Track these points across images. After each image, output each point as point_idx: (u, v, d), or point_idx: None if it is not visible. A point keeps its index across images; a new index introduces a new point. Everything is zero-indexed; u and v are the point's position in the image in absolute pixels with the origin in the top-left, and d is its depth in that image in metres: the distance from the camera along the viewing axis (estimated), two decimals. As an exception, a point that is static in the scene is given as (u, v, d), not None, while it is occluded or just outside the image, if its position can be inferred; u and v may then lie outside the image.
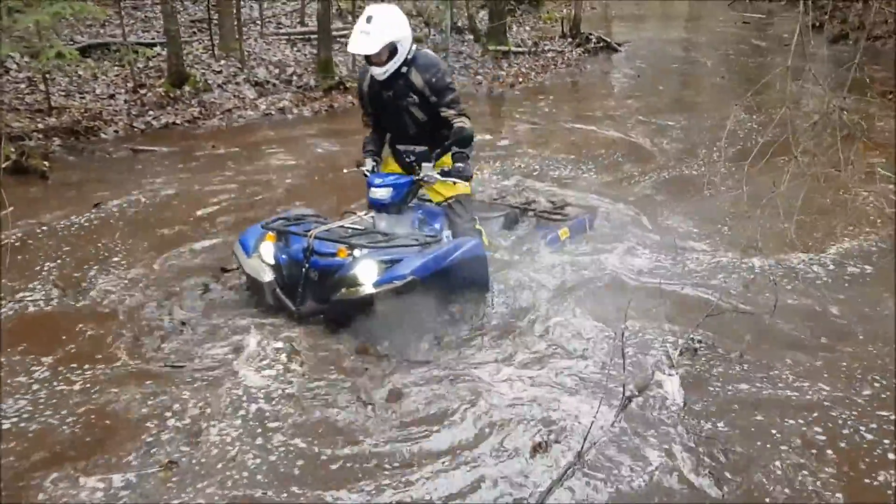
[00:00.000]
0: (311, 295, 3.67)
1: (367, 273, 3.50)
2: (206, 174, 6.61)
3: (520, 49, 12.61)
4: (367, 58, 3.79)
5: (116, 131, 8.25)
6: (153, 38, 11.41)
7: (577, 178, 6.05)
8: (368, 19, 3.69)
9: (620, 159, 6.72)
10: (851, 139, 3.73)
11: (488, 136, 7.93)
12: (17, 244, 4.86)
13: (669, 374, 3.12)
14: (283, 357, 3.36)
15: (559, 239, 4.55)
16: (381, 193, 3.97)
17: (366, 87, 4.02)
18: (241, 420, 2.94)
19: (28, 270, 4.47)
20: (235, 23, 11.15)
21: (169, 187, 6.21)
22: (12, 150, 6.62)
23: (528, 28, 14.98)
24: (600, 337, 3.59)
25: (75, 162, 7.05)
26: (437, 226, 4.14)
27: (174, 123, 8.66)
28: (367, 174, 4.04)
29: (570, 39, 13.63)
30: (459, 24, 13.72)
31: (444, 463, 2.72)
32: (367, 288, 3.46)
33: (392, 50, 3.74)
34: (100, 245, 4.91)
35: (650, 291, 4.02)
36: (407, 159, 4.13)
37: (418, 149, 4.10)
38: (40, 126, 7.79)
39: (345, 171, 4.41)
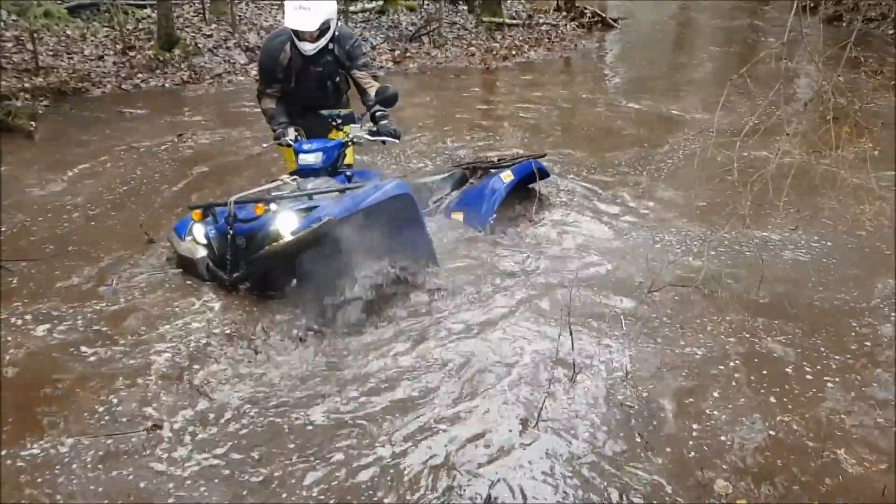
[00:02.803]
0: (243, 261, 3.61)
1: (285, 224, 3.42)
2: (185, 141, 6.55)
3: (514, 21, 12.50)
4: (298, 33, 3.85)
5: (104, 93, 8.18)
6: (144, 0, 11.27)
7: (563, 156, 6.03)
8: None
9: (607, 137, 6.70)
10: (843, 119, 3.74)
11: (482, 108, 7.94)
12: None
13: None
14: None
15: (502, 181, 4.35)
16: (312, 159, 3.94)
17: (284, 61, 4.01)
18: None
19: None
20: (227, -14, 11.00)
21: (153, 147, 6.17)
22: (-1, 109, 6.57)
23: (523, 0, 14.84)
24: (548, 306, 3.58)
25: (62, 122, 6.98)
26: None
27: (163, 86, 8.58)
28: (292, 143, 3.98)
29: (564, 13, 13.51)
30: (454, -7, 13.59)
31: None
32: (287, 238, 3.34)
33: (325, 27, 3.86)
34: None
35: (599, 255, 4.12)
36: (333, 122, 4.12)
37: (344, 111, 4.12)
38: (27, 86, 7.72)
39: (264, 145, 4.34)
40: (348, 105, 4.34)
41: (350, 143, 4.09)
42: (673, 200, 4.98)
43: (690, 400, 2.92)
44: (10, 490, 2.42)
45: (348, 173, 4.02)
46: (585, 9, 13.49)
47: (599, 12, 13.44)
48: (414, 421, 2.79)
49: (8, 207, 4.81)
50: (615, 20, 13.50)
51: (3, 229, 4.48)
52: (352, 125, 4.09)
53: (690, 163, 5.52)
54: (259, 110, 4.30)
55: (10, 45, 8.93)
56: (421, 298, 3.58)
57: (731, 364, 3.14)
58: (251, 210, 3.59)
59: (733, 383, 3.02)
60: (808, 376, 3.08)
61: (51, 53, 8.95)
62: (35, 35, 8.45)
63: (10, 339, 3.29)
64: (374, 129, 4.07)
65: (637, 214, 4.75)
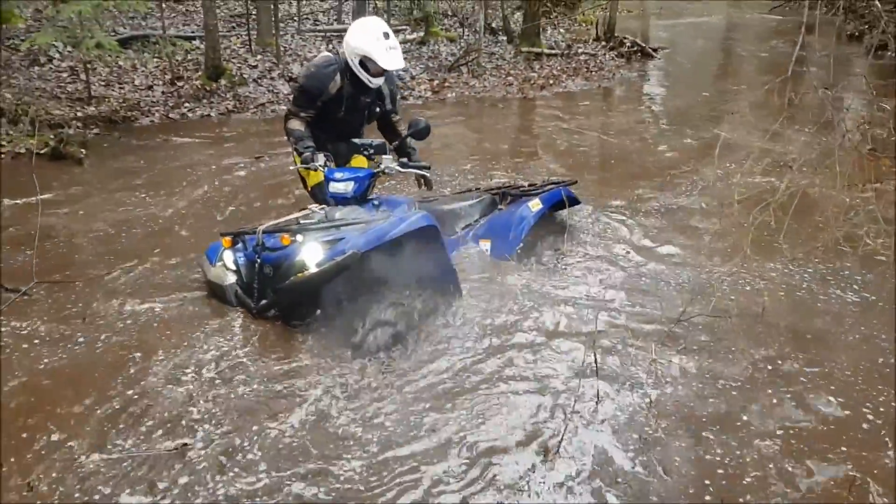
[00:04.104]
0: (270, 289, 3.68)
1: (311, 255, 3.48)
2: (229, 168, 6.74)
3: (553, 51, 12.61)
4: (371, 68, 4.08)
5: (152, 121, 8.47)
6: (193, 32, 11.67)
7: (595, 184, 6.05)
8: (386, 35, 4.02)
9: (642, 166, 6.70)
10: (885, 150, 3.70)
11: (516, 136, 8.01)
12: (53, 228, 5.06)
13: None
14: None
15: (530, 210, 4.35)
16: (343, 188, 4.02)
17: (332, 90, 4.15)
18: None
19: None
20: (272, 19, 11.34)
21: (198, 179, 6.37)
22: (51, 136, 6.86)
23: (562, 30, 14.99)
24: (572, 335, 3.59)
25: (111, 150, 7.25)
26: (396, 211, 4.00)
27: (208, 115, 8.85)
28: (322, 169, 4.06)
29: (603, 43, 13.58)
30: (494, 25, 13.78)
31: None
32: (312, 270, 3.41)
33: None
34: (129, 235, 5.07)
35: (628, 285, 4.11)
36: (365, 152, 4.21)
37: (376, 142, 4.19)
38: (79, 114, 8.04)
39: (291, 167, 4.43)
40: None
41: (381, 174, 4.18)
42: (707, 230, 4.95)
43: (714, 431, 2.90)
44: (40, 500, 2.51)
45: (376, 202, 4.10)
46: (625, 39, 13.54)
47: (639, 42, 13.46)
48: (433, 444, 2.82)
49: (51, 231, 5.02)
50: (655, 50, 13.51)
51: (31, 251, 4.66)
52: (383, 156, 4.17)
53: (728, 193, 5.48)
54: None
55: (65, 75, 9.33)
56: (443, 328, 3.61)
57: (759, 397, 3.11)
58: (278, 240, 3.67)
59: (759, 417, 2.99)
60: (838, 414, 3.03)
61: (103, 83, 9.32)
62: (88, 66, 8.83)
63: (41, 354, 3.42)
64: (406, 161, 4.16)
65: (669, 244, 4.73)
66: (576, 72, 11.62)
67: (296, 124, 4.18)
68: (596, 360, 3.18)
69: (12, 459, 2.70)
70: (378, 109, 4.40)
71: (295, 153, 4.17)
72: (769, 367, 3.33)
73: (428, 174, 4.29)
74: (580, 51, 12.95)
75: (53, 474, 2.64)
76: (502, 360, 3.36)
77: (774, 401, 3.09)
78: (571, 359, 3.35)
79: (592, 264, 4.37)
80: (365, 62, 4.08)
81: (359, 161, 4.31)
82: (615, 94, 10.78)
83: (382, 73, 4.13)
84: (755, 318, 3.74)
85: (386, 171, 4.13)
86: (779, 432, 2.89)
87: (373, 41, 4.01)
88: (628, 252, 4.59)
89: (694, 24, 18.00)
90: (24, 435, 2.84)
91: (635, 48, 13.30)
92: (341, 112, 4.25)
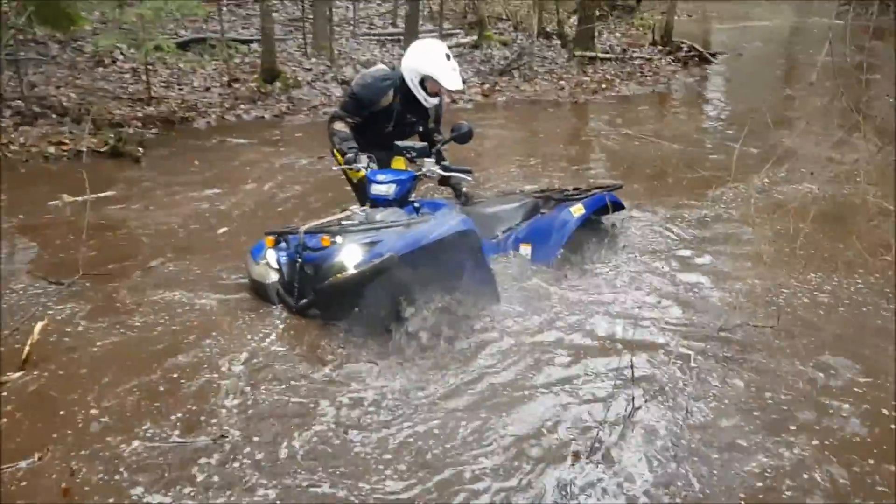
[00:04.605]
0: (310, 289, 3.72)
1: (350, 257, 3.52)
2: (283, 168, 6.87)
3: (607, 55, 12.49)
4: (428, 86, 4.20)
5: (209, 122, 8.68)
6: (251, 36, 11.93)
7: (643, 190, 5.95)
8: (448, 57, 4.17)
9: (693, 172, 6.56)
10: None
11: (564, 139, 7.96)
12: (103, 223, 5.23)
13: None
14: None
15: (572, 215, 4.27)
16: (385, 189, 4.04)
17: (384, 104, 4.25)
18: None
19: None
20: (328, 23, 11.51)
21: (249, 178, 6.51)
22: (111, 135, 7.11)
23: (618, 34, 14.81)
24: (609, 342, 3.55)
25: (167, 149, 7.47)
26: (437, 214, 3.98)
27: (262, 117, 9.03)
28: (364, 170, 4.11)
29: (660, 47, 13.39)
30: (548, 29, 13.72)
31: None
32: (350, 271, 3.45)
33: None
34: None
35: (669, 294, 4.05)
36: (407, 155, 4.23)
37: (418, 145, 4.21)
38: (139, 114, 8.30)
39: (335, 168, 4.47)
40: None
41: (423, 177, 4.21)
42: (754, 240, 4.82)
43: (753, 445, 2.82)
44: (82, 486, 2.60)
45: (416, 204, 4.12)
46: (682, 43, 13.33)
47: (697, 46, 13.23)
48: (465, 447, 2.81)
49: (106, 226, 5.20)
50: (713, 54, 13.26)
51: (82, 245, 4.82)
52: (425, 159, 4.20)
53: (782, 201, 5.35)
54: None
55: (127, 76, 9.64)
56: (479, 332, 3.60)
57: (803, 412, 3.02)
58: (319, 240, 3.72)
59: (803, 433, 2.89)
60: (886, 429, 2.92)
61: (163, 85, 9.60)
62: (149, 68, 9.11)
63: (88, 341, 3.54)
64: (447, 164, 4.18)
65: (714, 254, 4.63)
66: (630, 76, 11.49)
67: (340, 125, 4.25)
68: (633, 367, 3.13)
69: (56, 444, 2.79)
70: (421, 128, 4.52)
71: (338, 153, 4.23)
72: (815, 381, 3.23)
73: (470, 178, 4.29)
74: (635, 55, 12.80)
75: (95, 460, 2.72)
76: (536, 365, 3.34)
77: (819, 416, 2.99)
78: (607, 366, 3.31)
79: (634, 272, 4.30)
80: (425, 82, 4.18)
81: (398, 163, 4.35)
82: (670, 99, 10.62)
83: (439, 93, 4.25)
84: (802, 331, 3.63)
85: (428, 173, 4.17)
86: (824, 449, 2.79)
87: (436, 62, 4.13)
88: (672, 260, 4.50)
89: (755, 29, 17.62)
90: (68, 421, 2.94)
91: (692, 53, 13.08)
92: (389, 127, 4.34)
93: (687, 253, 4.66)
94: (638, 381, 3.14)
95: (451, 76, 4.16)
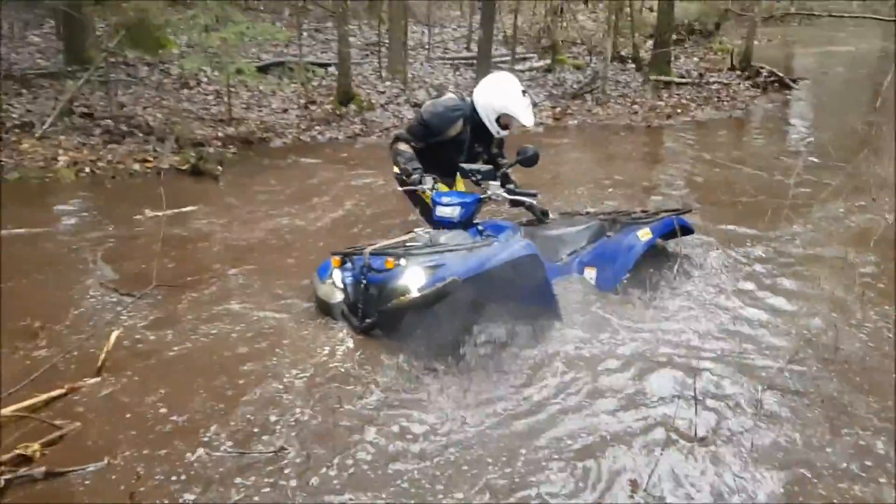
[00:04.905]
0: (374, 310, 3.75)
1: (413, 280, 3.54)
2: (356, 187, 7.01)
3: (683, 80, 12.30)
4: (502, 120, 4.28)
5: (284, 142, 8.95)
6: (329, 59, 12.26)
7: (715, 216, 5.81)
8: (523, 93, 4.24)
9: (768, 201, 6.32)
10: None
11: (635, 163, 7.86)
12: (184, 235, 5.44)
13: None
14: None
15: (639, 239, 4.19)
16: (450, 212, 4.08)
17: (452, 133, 4.31)
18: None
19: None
20: (403, 47, 11.73)
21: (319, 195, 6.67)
22: (192, 154, 7.41)
23: (696, 59, 14.58)
24: (672, 369, 3.44)
25: (245, 168, 7.72)
26: (500, 236, 4.03)
27: (336, 138, 9.25)
28: (429, 191, 4.15)
29: (738, 72, 13.10)
30: (623, 53, 13.62)
31: None
32: (413, 294, 3.49)
33: None
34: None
35: (736, 324, 3.93)
36: (473, 178, 4.25)
37: (484, 168, 4.22)
38: (220, 134, 8.62)
39: (399, 188, 4.50)
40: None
41: (488, 200, 4.22)
42: (827, 271, 4.64)
43: (817, 483, 2.70)
44: (147, 492, 2.69)
45: (480, 227, 4.13)
46: (762, 68, 13.01)
47: (776, 71, 12.89)
48: (522, 471, 2.79)
49: (187, 239, 5.41)
50: (794, 80, 12.89)
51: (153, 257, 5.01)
52: (491, 182, 4.21)
53: (858, 231, 5.14)
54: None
55: (210, 98, 10.04)
56: (540, 355, 3.56)
57: (872, 450, 2.87)
58: (384, 262, 3.76)
59: (872, 471, 2.76)
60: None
61: (244, 106, 9.95)
62: (231, 90, 9.46)
63: (158, 350, 3.67)
64: (513, 187, 4.18)
65: (785, 284, 4.46)
66: (706, 101, 11.28)
67: (405, 147, 4.32)
68: (696, 396, 3.05)
69: (123, 449, 2.90)
70: (486, 157, 4.58)
71: (403, 174, 4.28)
72: (883, 420, 3.07)
73: (535, 201, 4.28)
74: (712, 80, 12.56)
75: (160, 467, 2.81)
76: (595, 392, 3.29)
77: (888, 453, 2.84)
78: (668, 394, 3.23)
79: (701, 299, 4.18)
80: (500, 116, 4.24)
81: (459, 184, 4.39)
82: (747, 124, 10.37)
83: (509, 126, 4.32)
84: (874, 367, 3.47)
85: (493, 196, 4.17)
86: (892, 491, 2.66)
87: (513, 99, 4.21)
88: (740, 289, 4.36)
89: (839, 54, 17.04)
90: (136, 426, 3.06)
91: (772, 78, 12.75)
92: (461, 157, 4.40)
93: (756, 282, 4.51)
94: (700, 410, 3.06)
95: (526, 112, 4.22)
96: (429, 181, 4.13)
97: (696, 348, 3.58)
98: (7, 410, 3.05)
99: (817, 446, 2.90)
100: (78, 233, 5.50)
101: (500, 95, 4.21)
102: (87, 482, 2.73)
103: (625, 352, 3.61)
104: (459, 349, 3.53)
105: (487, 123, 4.27)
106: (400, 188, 4.50)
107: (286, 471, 2.80)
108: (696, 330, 3.84)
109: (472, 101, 4.32)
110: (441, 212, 4.11)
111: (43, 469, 2.75)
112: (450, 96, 4.42)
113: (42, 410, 3.14)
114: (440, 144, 4.33)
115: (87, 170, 7.16)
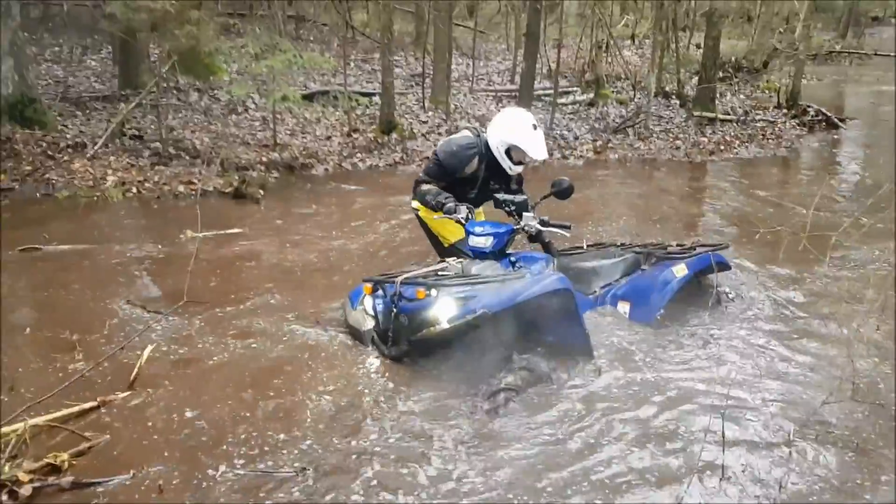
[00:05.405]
0: (404, 338, 3.76)
1: (444, 311, 3.55)
2: (393, 214, 7.06)
3: (728, 117, 12.18)
4: (513, 155, 4.26)
5: (327, 169, 9.09)
6: (374, 89, 12.45)
7: (755, 255, 5.70)
8: (534, 127, 4.21)
9: (811, 243, 6.20)
10: None
11: (674, 198, 7.78)
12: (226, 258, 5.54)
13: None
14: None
15: (674, 275, 4.15)
16: (482, 242, 4.07)
17: (468, 171, 4.32)
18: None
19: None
20: (447, 78, 11.86)
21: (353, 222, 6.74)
22: (236, 177, 7.57)
23: (742, 96, 14.44)
24: (701, 408, 3.39)
25: (286, 193, 7.85)
26: (533, 268, 4.01)
27: (376, 166, 9.36)
28: (463, 221, 4.16)
29: (785, 110, 12.94)
30: (667, 88, 13.56)
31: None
32: (444, 325, 3.51)
33: None
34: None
35: (770, 364, 3.87)
36: (507, 209, 4.25)
37: (518, 198, 4.23)
38: (263, 159, 8.78)
39: (434, 217, 4.51)
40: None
41: (521, 231, 4.21)
42: (864, 314, 4.49)
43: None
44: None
45: (513, 258, 4.13)
46: (809, 107, 12.83)
47: (824, 110, 12.69)
48: (547, 502, 2.76)
49: (228, 260, 5.50)
50: (843, 119, 12.68)
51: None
52: (524, 213, 4.21)
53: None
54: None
55: (257, 123, 10.24)
56: (568, 390, 3.53)
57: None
58: (415, 292, 3.76)
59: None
60: None
61: (288, 132, 10.13)
62: (277, 116, 9.66)
63: (186, 365, 3.73)
64: (546, 219, 4.20)
65: (821, 326, 4.35)
66: (751, 138, 11.14)
67: (429, 186, 4.37)
68: (724, 436, 2.98)
69: (149, 462, 2.95)
70: (503, 192, 4.51)
71: (437, 208, 4.30)
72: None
73: (568, 233, 4.25)
74: (758, 118, 12.41)
75: (182, 482, 2.85)
76: (624, 427, 3.24)
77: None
78: (698, 431, 3.17)
79: (735, 337, 4.11)
80: (511, 151, 4.23)
81: (479, 217, 4.41)
82: (792, 163, 10.22)
83: (523, 161, 4.29)
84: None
85: (526, 228, 4.16)
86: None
87: (523, 132, 4.18)
88: (776, 328, 4.27)
89: (890, 93, 16.68)
90: (163, 440, 3.11)
91: (820, 117, 12.56)
92: (472, 193, 4.42)
93: (791, 322, 4.43)
94: (728, 448, 2.98)
95: (537, 146, 4.18)
96: (463, 210, 4.14)
97: (727, 385, 3.49)
98: (39, 420, 3.13)
99: (850, 492, 2.81)
100: (121, 250, 5.64)
101: (509, 129, 4.20)
102: (111, 494, 2.78)
103: (654, 387, 3.57)
104: (488, 381, 3.52)
105: (500, 159, 4.26)
106: (418, 219, 4.64)
107: (305, 491, 2.81)
108: (727, 367, 3.79)
109: (485, 139, 4.32)
110: (474, 242, 4.12)
111: (70, 479, 2.82)
112: (464, 134, 4.42)
113: (74, 422, 3.21)
114: (458, 182, 4.36)
115: (134, 190, 7.36)
